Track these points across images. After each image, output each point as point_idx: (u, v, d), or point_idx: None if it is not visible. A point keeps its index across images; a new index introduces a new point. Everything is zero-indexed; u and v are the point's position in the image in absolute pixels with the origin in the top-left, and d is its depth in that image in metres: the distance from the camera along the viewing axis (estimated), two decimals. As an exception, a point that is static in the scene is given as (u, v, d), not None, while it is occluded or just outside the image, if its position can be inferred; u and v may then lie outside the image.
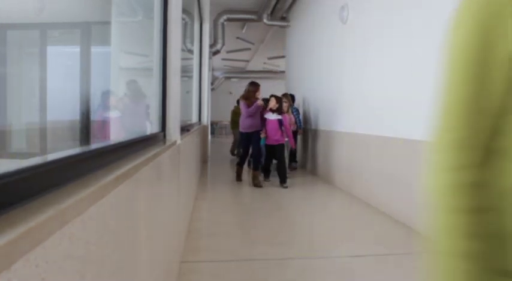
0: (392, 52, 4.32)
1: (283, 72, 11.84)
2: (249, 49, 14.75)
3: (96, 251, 0.89)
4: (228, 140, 17.03)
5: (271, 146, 6.08)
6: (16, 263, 0.54)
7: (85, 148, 1.15)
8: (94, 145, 1.24)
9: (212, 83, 18.81)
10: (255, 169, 6.11)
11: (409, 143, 3.90)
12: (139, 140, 1.79)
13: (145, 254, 1.48)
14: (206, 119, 9.55)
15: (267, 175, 6.65)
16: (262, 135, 6.10)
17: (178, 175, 2.69)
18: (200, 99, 8.51)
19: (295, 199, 5.21)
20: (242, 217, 4.25)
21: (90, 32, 2.43)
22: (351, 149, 5.51)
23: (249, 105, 6.05)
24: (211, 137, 13.42)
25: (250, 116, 6.07)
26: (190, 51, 7.03)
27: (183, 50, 4.27)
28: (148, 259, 1.54)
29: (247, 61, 17.54)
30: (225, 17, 9.63)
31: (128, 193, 1.19)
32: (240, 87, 20.33)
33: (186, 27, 6.08)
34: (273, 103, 6.01)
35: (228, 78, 20.83)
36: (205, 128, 9.16)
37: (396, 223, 3.94)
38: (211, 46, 9.93)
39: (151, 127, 2.62)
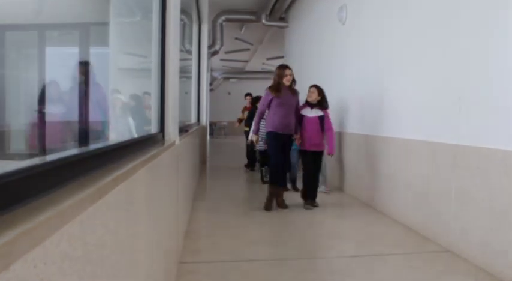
0: (392, 52, 4.33)
1: (282, 72, 11.87)
2: (248, 50, 14.75)
3: (95, 252, 0.89)
4: (227, 141, 17.04)
5: (310, 153, 4.50)
6: (15, 264, 0.54)
7: (84, 149, 1.15)
8: (93, 146, 1.24)
9: (211, 84, 18.81)
10: (282, 184, 4.50)
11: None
12: (138, 140, 1.79)
13: (144, 255, 1.48)
14: (205, 120, 9.55)
15: (294, 186, 5.39)
16: (297, 141, 4.54)
17: (177, 175, 2.69)
18: (199, 100, 8.51)
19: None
20: (242, 218, 4.25)
21: (89, 33, 2.44)
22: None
23: (277, 98, 4.33)
24: (210, 137, 13.42)
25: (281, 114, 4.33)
26: (189, 52, 7.04)
27: (181, 50, 4.28)
28: (147, 259, 1.54)
29: (246, 62, 17.55)
30: (223, 17, 9.64)
31: (126, 193, 1.19)
32: (238, 87, 20.35)
33: (184, 28, 6.08)
34: (314, 95, 4.53)
35: (227, 78, 20.84)
36: (204, 128, 9.15)
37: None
38: (209, 47, 9.93)
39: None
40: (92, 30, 2.42)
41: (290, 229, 3.80)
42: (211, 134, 16.63)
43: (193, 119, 7.47)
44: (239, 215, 4.34)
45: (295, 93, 4.49)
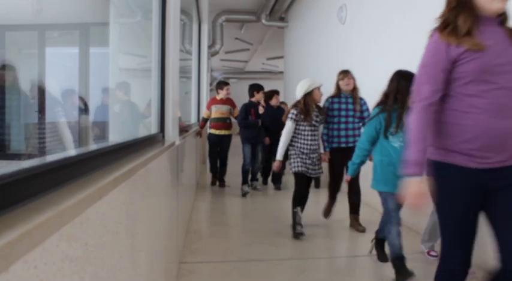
0: (392, 52, 4.32)
1: (282, 72, 11.85)
2: (248, 50, 14.75)
3: (95, 253, 0.89)
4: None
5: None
6: (14, 265, 0.54)
7: (83, 149, 1.15)
8: (92, 146, 1.24)
9: (211, 84, 18.79)
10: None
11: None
12: (138, 141, 1.79)
13: (144, 255, 1.48)
14: (205, 120, 9.52)
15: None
16: None
17: (177, 175, 2.69)
18: (199, 100, 8.50)
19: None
20: (241, 217, 4.25)
21: (89, 33, 2.44)
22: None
23: (474, 52, 1.43)
24: (210, 137, 13.41)
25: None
26: (189, 52, 7.04)
27: (181, 50, 4.28)
28: (147, 260, 1.54)
29: (246, 62, 17.54)
30: (223, 17, 9.63)
31: (126, 194, 1.19)
32: (238, 87, 20.35)
33: (184, 28, 6.08)
34: None
35: (227, 79, 20.85)
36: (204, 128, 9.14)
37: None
38: (209, 47, 9.92)
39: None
40: (92, 30, 2.42)
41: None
42: (211, 134, 16.63)
43: (193, 119, 7.47)
44: (240, 215, 4.34)
45: None
